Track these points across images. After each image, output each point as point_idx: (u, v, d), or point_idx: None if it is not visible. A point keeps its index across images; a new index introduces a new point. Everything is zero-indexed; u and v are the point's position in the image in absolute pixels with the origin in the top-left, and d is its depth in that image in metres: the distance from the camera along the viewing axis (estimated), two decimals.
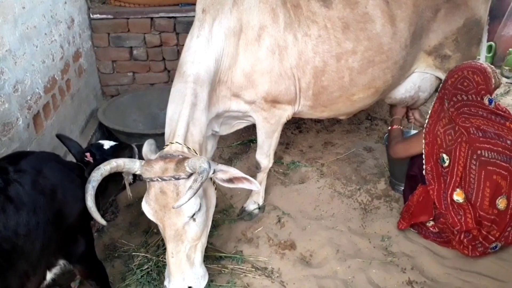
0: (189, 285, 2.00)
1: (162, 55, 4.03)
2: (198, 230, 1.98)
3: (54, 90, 2.96)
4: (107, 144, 2.24)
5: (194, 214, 1.92)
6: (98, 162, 2.08)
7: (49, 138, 2.81)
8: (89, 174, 1.94)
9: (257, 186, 2.00)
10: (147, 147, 2.12)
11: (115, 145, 2.26)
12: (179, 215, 1.89)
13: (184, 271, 1.98)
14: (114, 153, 2.20)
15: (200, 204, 1.94)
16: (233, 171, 2.00)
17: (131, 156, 2.23)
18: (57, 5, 3.08)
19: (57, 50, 3.04)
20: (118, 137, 3.32)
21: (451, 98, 2.56)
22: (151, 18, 3.87)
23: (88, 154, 2.14)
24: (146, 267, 2.49)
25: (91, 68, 3.85)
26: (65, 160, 2.09)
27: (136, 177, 2.30)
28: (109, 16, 3.83)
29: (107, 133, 3.64)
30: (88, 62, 3.76)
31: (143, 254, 2.58)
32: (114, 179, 2.19)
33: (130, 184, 2.28)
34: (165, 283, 2.03)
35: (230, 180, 2.02)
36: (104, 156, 2.14)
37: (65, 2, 3.26)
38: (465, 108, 2.50)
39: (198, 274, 2.03)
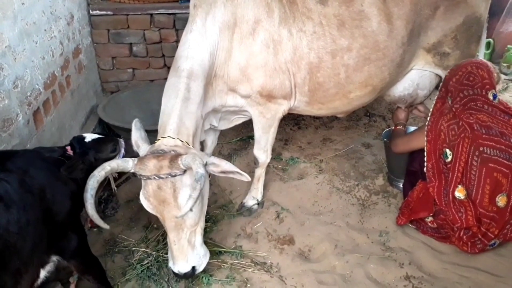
0: (193, 265, 2.15)
1: (162, 51, 4.04)
2: (196, 217, 2.11)
3: (54, 86, 2.97)
4: (89, 137, 2.17)
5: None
6: (78, 155, 2.05)
7: (49, 134, 2.82)
8: (67, 170, 1.92)
9: (247, 177, 2.07)
10: (137, 133, 2.15)
11: (97, 138, 2.19)
12: (178, 209, 1.98)
13: (187, 254, 2.12)
14: (95, 146, 2.14)
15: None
16: (225, 165, 2.06)
17: (114, 149, 2.20)
18: (56, 1, 3.08)
19: (56, 46, 3.05)
20: (118, 133, 3.32)
21: (457, 94, 2.56)
22: (151, 15, 3.87)
23: (68, 148, 2.10)
24: (146, 262, 2.51)
25: (91, 65, 3.86)
26: (48, 157, 2.04)
27: (122, 173, 2.24)
28: (109, 13, 3.84)
29: (107, 129, 3.65)
30: (88, 58, 3.77)
31: (143, 249, 2.60)
32: None
33: (114, 178, 2.24)
34: (170, 264, 2.16)
35: (222, 172, 2.09)
36: (84, 149, 2.10)
37: None
38: (472, 103, 2.51)
39: (200, 254, 2.19)
